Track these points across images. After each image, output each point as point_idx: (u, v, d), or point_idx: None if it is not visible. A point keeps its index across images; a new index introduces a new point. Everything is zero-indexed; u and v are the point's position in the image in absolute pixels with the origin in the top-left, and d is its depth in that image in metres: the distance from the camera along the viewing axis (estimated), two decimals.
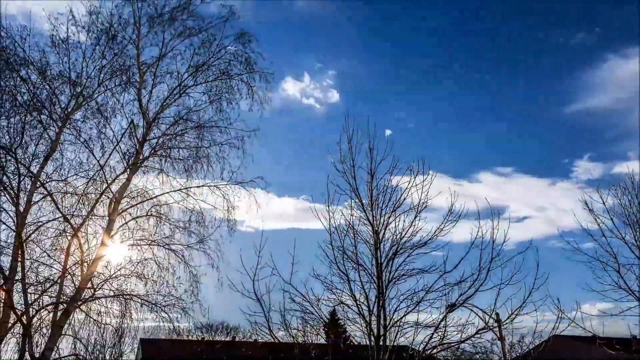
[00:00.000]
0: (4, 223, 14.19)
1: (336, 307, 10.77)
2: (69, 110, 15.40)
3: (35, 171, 14.45)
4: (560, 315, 9.69)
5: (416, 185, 10.58)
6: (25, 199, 14.17)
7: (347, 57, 60.48)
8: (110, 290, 15.33)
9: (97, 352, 16.03)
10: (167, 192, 16.79)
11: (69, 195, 15.50)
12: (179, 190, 16.79)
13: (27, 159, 14.41)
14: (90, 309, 15.23)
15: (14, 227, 13.98)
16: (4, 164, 13.93)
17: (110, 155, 15.67)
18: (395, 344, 10.02)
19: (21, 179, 14.00)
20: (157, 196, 16.69)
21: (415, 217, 10.38)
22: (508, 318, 9.49)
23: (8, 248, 14.01)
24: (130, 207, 16.29)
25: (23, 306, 13.43)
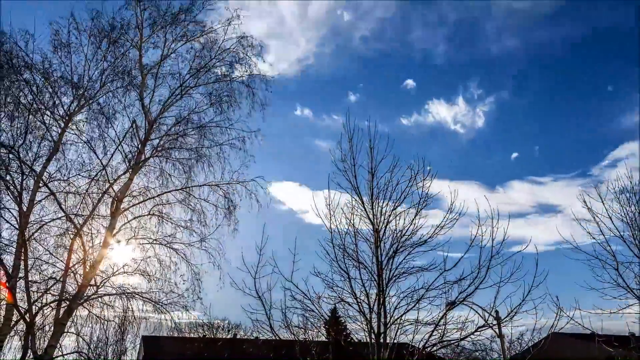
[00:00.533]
0: (7, 222, 14.34)
1: (337, 304, 10.80)
2: (72, 111, 15.52)
3: (38, 171, 14.59)
4: (559, 313, 9.72)
5: (417, 184, 10.65)
6: (28, 198, 14.30)
7: (509, 89, 64.55)
8: (113, 288, 15.48)
9: (100, 349, 16.17)
10: (169, 192, 16.93)
11: (71, 194, 15.67)
12: (181, 189, 16.93)
13: (30, 159, 14.55)
14: (92, 307, 15.37)
15: (17, 226, 14.10)
16: (8, 163, 14.04)
17: (112, 155, 15.86)
18: (395, 341, 10.06)
19: (24, 178, 14.12)
20: (158, 195, 16.84)
21: (416, 215, 10.45)
22: (507, 316, 9.50)
23: (11, 246, 14.19)
24: (132, 206, 16.44)
25: (26, 304, 13.54)
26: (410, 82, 60.93)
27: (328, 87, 57.87)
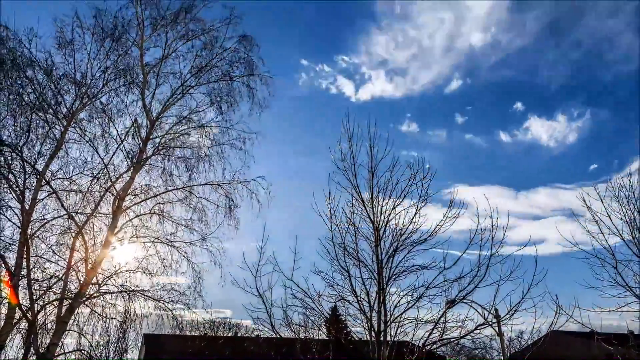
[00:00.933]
0: (10, 220, 14.40)
1: (337, 303, 10.85)
2: (74, 109, 15.57)
3: (40, 169, 14.64)
4: (558, 311, 9.76)
5: (416, 182, 10.69)
6: (30, 197, 14.36)
7: (609, 108, 67.72)
8: (115, 286, 15.56)
9: (102, 347, 16.22)
10: (170, 190, 17.00)
11: (73, 193, 15.73)
12: (182, 188, 17.01)
13: (32, 157, 14.61)
14: (94, 305, 15.45)
15: (19, 224, 14.16)
16: (10, 161, 14.11)
17: (114, 154, 15.94)
18: (395, 339, 10.12)
19: (27, 176, 14.19)
20: (160, 194, 16.92)
21: (415, 214, 10.49)
22: (507, 314, 9.53)
23: (13, 245, 14.21)
24: (134, 204, 16.52)
25: (28, 302, 13.62)
26: (519, 105, 66.61)
27: (443, 106, 65.81)
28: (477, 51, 62.28)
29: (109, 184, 15.54)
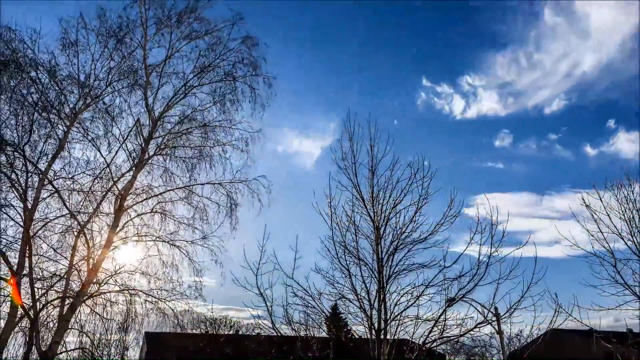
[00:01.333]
0: (12, 219, 14.46)
1: (338, 301, 10.90)
2: (77, 109, 15.64)
3: (43, 169, 14.71)
4: (557, 310, 9.82)
5: (417, 181, 10.72)
6: (33, 196, 14.43)
7: None
8: (116, 285, 15.62)
9: (103, 345, 16.29)
10: (172, 190, 17.07)
11: (75, 192, 15.79)
12: (183, 187, 17.07)
13: (35, 157, 14.68)
14: (96, 304, 15.51)
15: (21, 223, 14.23)
16: (13, 161, 14.17)
17: (116, 153, 16.02)
18: (395, 337, 10.18)
19: (29, 176, 14.27)
20: (161, 193, 16.99)
21: (416, 212, 10.53)
22: (507, 312, 9.59)
23: (16, 244, 14.29)
24: (136, 204, 16.59)
25: (30, 301, 13.68)
26: (611, 123, 67.59)
27: (540, 126, 68.40)
28: (591, 75, 64.35)
29: (111, 183, 15.63)
